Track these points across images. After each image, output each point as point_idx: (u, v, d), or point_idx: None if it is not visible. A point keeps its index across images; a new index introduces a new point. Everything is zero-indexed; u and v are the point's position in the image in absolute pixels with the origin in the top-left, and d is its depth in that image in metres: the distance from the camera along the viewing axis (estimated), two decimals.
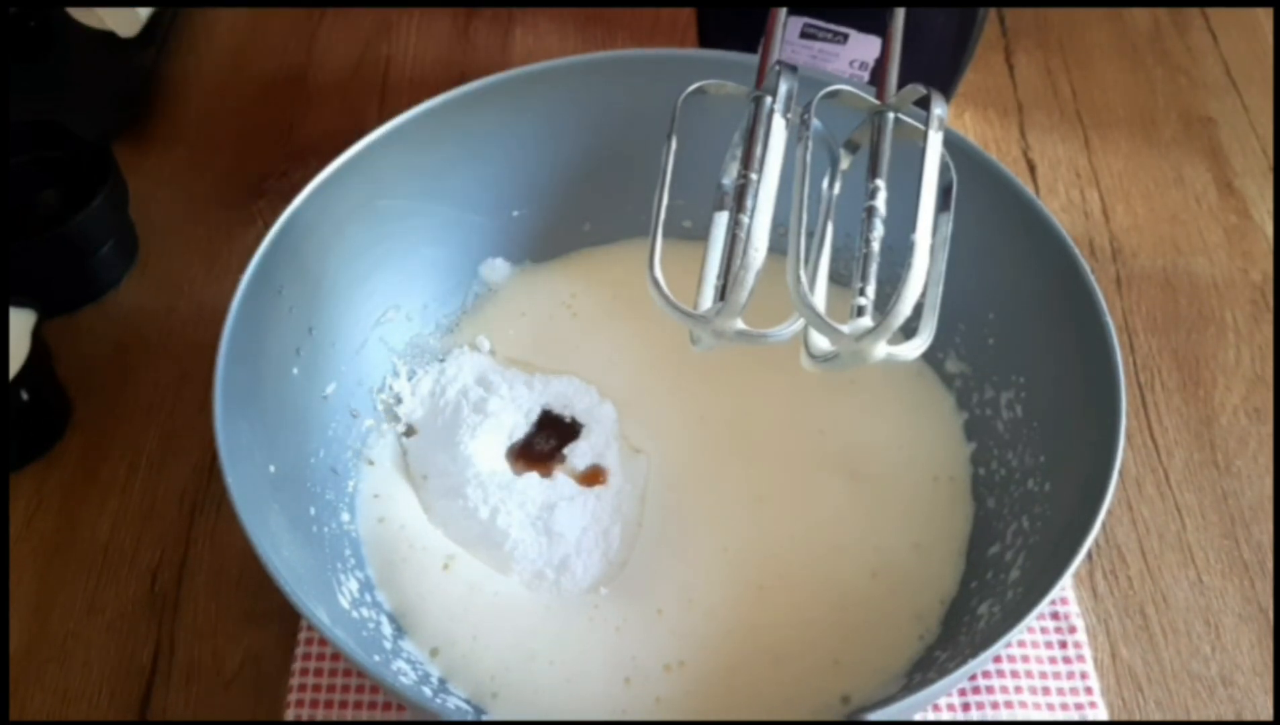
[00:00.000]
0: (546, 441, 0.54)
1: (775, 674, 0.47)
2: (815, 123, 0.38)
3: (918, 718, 0.48)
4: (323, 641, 0.49)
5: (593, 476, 0.53)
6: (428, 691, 0.45)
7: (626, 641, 0.48)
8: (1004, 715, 0.48)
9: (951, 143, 0.44)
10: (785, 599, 0.49)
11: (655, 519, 0.52)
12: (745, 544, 0.51)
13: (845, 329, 0.34)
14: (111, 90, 0.70)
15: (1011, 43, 0.78)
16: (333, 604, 0.45)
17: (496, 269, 0.59)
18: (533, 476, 0.52)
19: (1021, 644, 0.50)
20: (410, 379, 0.56)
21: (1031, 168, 0.70)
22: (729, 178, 0.41)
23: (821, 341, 0.37)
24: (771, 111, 0.38)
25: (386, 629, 0.47)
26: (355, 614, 0.46)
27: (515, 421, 0.54)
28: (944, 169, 0.37)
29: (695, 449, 0.54)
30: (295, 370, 0.50)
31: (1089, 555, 0.49)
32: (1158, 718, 0.49)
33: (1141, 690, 0.50)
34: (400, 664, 0.45)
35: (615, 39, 0.78)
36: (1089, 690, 0.49)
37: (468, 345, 0.58)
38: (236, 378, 0.44)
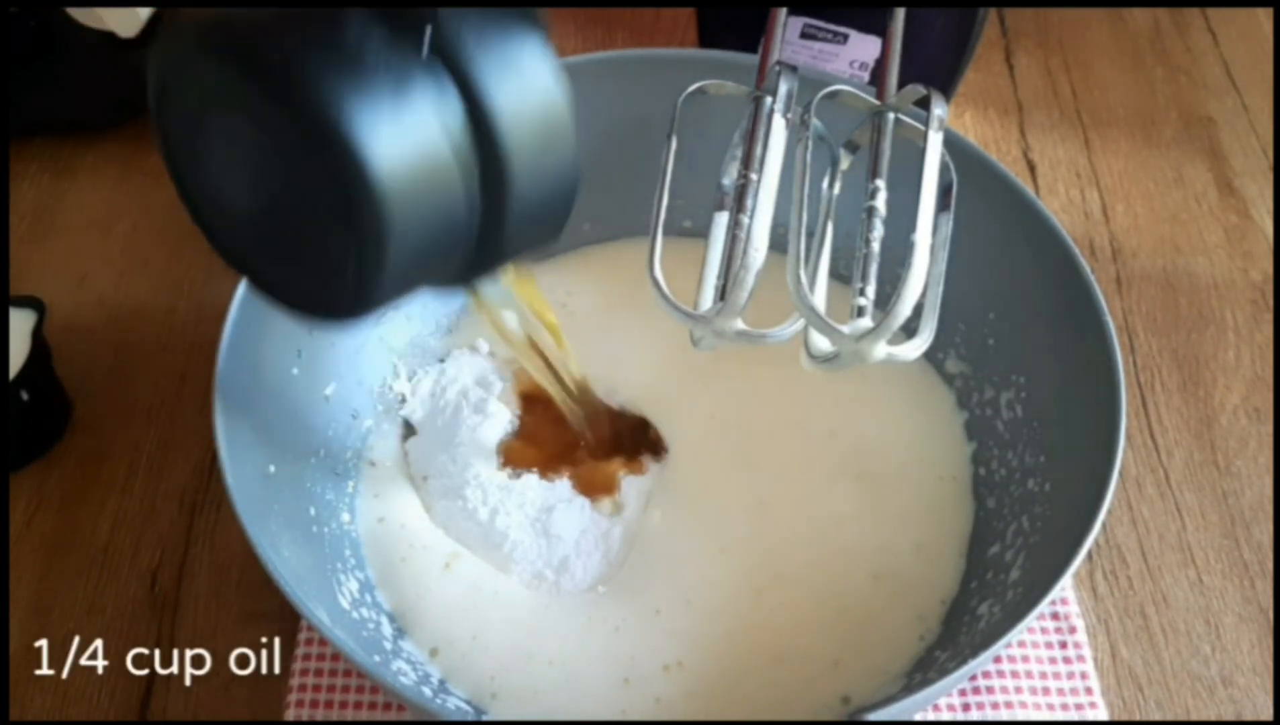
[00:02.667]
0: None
1: (775, 674, 0.47)
2: (815, 123, 0.38)
3: (918, 718, 0.48)
4: (323, 641, 0.49)
5: (601, 486, 0.52)
6: (428, 692, 0.45)
7: (626, 642, 0.48)
8: (1004, 715, 0.48)
9: (951, 143, 0.44)
10: (785, 599, 0.49)
11: (655, 519, 0.52)
12: (744, 544, 0.50)
13: (845, 329, 0.34)
14: (111, 90, 0.70)
15: (1011, 43, 0.78)
16: (333, 604, 0.45)
17: None
18: (531, 478, 0.52)
19: (1021, 644, 0.50)
20: (410, 379, 0.56)
21: (1031, 168, 0.70)
22: (729, 178, 0.41)
23: (821, 341, 0.37)
24: (771, 111, 0.38)
25: (386, 629, 0.47)
26: (355, 614, 0.46)
27: (515, 422, 0.54)
28: (944, 169, 0.37)
29: (694, 449, 0.54)
30: (295, 370, 0.50)
31: (1089, 555, 0.49)
32: (1158, 718, 0.49)
33: (1141, 690, 0.50)
34: (400, 664, 0.45)
35: (615, 39, 0.78)
36: (1089, 690, 0.49)
37: (467, 347, 0.58)
38: (236, 378, 0.44)
